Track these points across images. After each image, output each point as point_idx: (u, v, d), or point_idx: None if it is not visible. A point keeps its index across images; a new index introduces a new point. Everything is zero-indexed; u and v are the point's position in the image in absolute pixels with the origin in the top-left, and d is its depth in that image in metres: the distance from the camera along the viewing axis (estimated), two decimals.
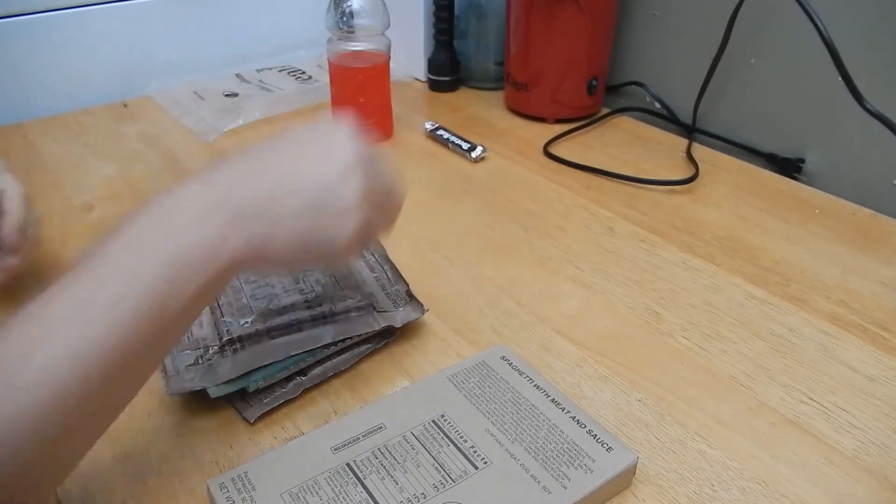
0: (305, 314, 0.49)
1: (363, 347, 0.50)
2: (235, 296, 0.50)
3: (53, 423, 0.32)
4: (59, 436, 0.33)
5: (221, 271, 0.36)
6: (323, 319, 0.49)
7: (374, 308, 0.51)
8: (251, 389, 0.46)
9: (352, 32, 0.77)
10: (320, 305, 0.50)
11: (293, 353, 0.47)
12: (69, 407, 0.32)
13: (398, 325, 0.50)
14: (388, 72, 0.81)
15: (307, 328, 0.49)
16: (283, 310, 0.49)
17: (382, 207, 0.43)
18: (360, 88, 0.80)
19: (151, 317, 0.34)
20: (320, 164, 0.39)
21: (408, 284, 0.54)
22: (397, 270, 0.55)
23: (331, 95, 0.83)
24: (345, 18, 0.76)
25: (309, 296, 0.50)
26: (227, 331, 0.47)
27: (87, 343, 0.32)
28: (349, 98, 0.81)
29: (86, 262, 0.34)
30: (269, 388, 0.47)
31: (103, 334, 0.33)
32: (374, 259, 0.56)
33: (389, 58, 0.81)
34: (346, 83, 0.80)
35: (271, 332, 0.48)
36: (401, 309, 0.52)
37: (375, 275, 0.55)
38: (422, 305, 0.52)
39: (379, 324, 0.50)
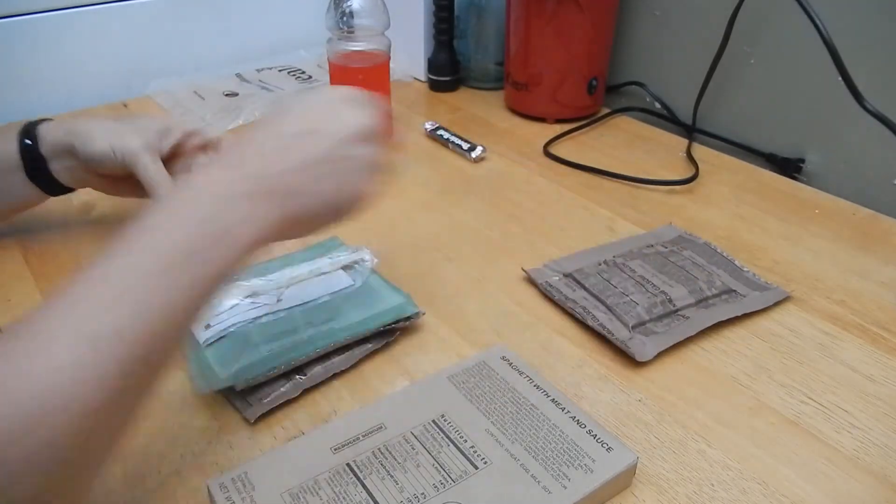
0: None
1: (363, 347, 0.50)
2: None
3: (99, 391, 0.32)
4: (102, 408, 0.32)
5: (250, 245, 0.38)
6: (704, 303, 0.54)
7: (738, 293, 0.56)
8: (238, 388, 0.46)
9: (352, 32, 0.77)
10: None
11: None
12: (113, 376, 0.33)
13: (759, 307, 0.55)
14: (388, 72, 0.81)
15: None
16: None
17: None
18: (360, 88, 0.80)
19: (183, 285, 0.35)
20: (333, 131, 0.43)
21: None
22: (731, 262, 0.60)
23: None
24: (345, 18, 0.76)
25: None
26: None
27: (133, 313, 0.34)
28: None
29: (131, 233, 0.36)
30: (269, 388, 0.47)
31: (145, 303, 0.34)
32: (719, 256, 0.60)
33: (389, 58, 0.81)
34: (347, 83, 0.80)
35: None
36: (758, 292, 0.56)
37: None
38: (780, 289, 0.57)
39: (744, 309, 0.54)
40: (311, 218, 0.43)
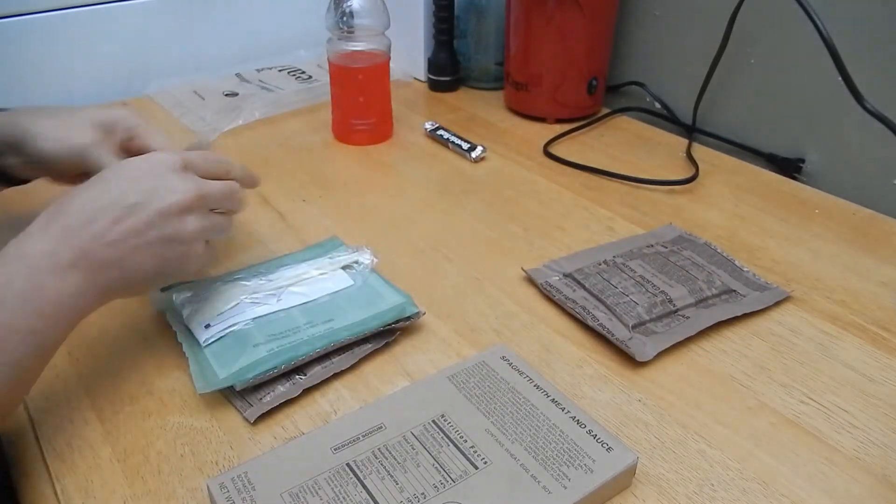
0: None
1: (363, 347, 0.50)
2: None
3: None
4: None
5: (71, 317, 0.42)
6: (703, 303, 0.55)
7: (738, 293, 0.56)
8: (238, 388, 0.46)
9: (352, 32, 0.77)
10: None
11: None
12: None
13: (758, 307, 0.55)
14: (389, 72, 0.82)
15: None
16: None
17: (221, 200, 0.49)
18: (360, 88, 0.80)
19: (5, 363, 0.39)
20: (157, 204, 0.44)
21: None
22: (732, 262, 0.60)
23: (331, 95, 0.83)
24: (345, 18, 0.76)
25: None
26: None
27: None
28: (349, 98, 0.81)
29: None
30: (269, 388, 0.47)
31: None
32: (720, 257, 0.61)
33: (390, 58, 0.81)
34: (347, 83, 0.80)
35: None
36: (758, 292, 0.56)
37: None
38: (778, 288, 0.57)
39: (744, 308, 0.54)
40: (134, 286, 0.45)
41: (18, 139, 0.55)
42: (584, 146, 0.83)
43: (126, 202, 0.43)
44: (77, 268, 0.41)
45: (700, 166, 0.76)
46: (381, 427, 0.42)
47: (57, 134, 0.55)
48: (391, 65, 0.82)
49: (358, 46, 0.78)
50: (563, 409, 0.43)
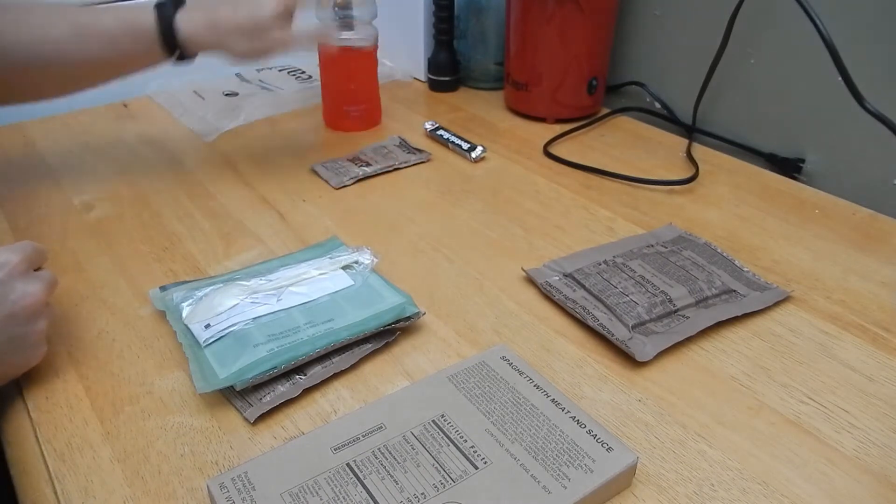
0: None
1: (363, 347, 0.50)
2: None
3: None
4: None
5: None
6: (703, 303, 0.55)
7: (738, 293, 0.56)
8: (238, 388, 0.46)
9: (340, 23, 0.79)
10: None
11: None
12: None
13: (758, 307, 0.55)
14: (376, 62, 0.84)
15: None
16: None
17: None
18: (350, 76, 0.83)
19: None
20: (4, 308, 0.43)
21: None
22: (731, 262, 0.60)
23: (321, 82, 0.85)
24: (335, 9, 0.78)
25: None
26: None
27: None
28: (340, 85, 0.84)
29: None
30: (269, 388, 0.47)
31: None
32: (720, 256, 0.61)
33: (377, 46, 0.83)
34: (335, 73, 0.83)
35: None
36: (758, 292, 0.56)
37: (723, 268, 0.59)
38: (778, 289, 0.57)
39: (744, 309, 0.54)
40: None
41: (215, 47, 0.68)
42: (584, 146, 0.83)
43: None
44: None
45: (700, 166, 0.76)
46: (381, 427, 0.42)
47: (247, 45, 0.66)
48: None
49: (346, 36, 0.80)
50: (563, 409, 0.43)
